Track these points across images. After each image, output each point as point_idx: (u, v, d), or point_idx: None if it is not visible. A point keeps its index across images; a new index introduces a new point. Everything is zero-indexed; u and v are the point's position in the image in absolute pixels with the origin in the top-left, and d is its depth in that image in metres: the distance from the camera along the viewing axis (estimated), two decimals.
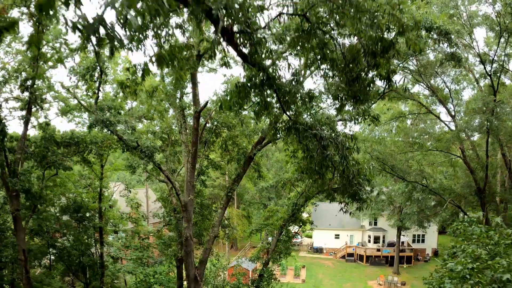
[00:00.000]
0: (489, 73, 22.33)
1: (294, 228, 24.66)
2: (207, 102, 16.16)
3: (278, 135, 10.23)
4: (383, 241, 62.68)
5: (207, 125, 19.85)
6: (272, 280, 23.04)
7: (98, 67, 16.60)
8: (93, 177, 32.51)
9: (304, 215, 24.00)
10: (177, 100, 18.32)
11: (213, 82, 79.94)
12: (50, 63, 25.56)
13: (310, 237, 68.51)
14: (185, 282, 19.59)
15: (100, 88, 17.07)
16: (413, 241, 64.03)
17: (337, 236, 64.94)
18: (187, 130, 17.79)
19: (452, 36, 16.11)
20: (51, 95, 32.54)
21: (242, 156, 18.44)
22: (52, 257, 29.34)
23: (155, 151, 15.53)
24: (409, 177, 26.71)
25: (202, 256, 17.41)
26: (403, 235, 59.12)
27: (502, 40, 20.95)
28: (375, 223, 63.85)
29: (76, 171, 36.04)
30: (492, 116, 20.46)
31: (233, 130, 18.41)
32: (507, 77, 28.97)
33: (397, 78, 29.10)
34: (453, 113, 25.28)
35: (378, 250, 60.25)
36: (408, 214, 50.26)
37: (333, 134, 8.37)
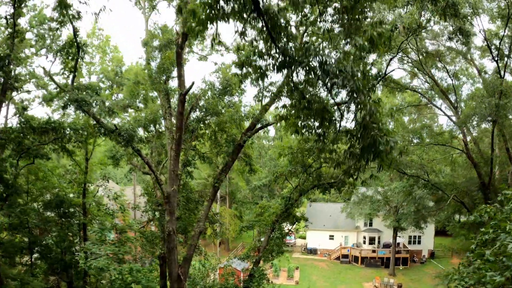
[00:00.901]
0: (496, 58, 21.13)
1: (287, 226, 23.10)
2: (192, 84, 14.71)
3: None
4: (379, 242, 61.42)
5: (194, 113, 18.43)
6: (264, 281, 21.53)
7: (76, 44, 15.14)
8: (78, 171, 30.97)
9: (298, 213, 22.50)
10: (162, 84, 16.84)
11: (203, 72, 78.10)
12: (32, 50, 24.16)
13: (304, 238, 67.11)
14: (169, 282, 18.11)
15: (77, 67, 15.52)
16: (409, 242, 62.89)
17: (331, 237, 63.57)
18: (172, 116, 16.31)
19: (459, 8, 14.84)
20: (34, 83, 31.05)
21: (230, 144, 16.98)
22: (36, 255, 27.71)
23: (134, 135, 14.05)
24: (410, 171, 25.36)
25: (186, 253, 15.91)
26: (399, 236, 57.94)
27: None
28: (370, 224, 62.58)
29: (62, 165, 34.51)
30: (500, 100, 19.23)
31: (222, 116, 16.95)
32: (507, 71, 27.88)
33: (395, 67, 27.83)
34: (455, 105, 24.00)
35: (374, 251, 58.97)
36: (405, 214, 49.00)
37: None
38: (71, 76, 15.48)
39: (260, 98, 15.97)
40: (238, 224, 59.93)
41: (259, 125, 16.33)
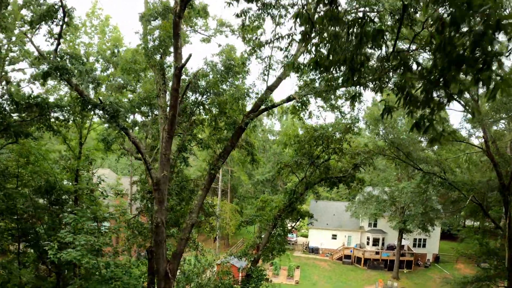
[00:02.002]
0: None
1: (290, 223, 21.19)
2: (189, 57, 12.95)
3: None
4: (383, 244, 59.58)
5: (193, 96, 16.69)
6: (263, 282, 19.74)
7: (61, 8, 13.44)
8: (71, 157, 29.41)
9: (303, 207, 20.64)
10: (158, 58, 15.10)
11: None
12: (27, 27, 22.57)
13: (306, 236, 65.36)
14: None
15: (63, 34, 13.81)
16: (414, 245, 61.03)
17: (334, 237, 61.75)
18: (167, 93, 14.57)
19: None
20: (28, 62, 29.49)
21: (230, 127, 15.22)
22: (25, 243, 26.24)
23: (120, 110, 12.32)
24: (426, 168, 23.46)
25: (176, 248, 14.21)
26: (404, 239, 56.11)
27: None
28: (375, 225, 60.74)
29: (56, 149, 32.95)
30: None
31: (222, 95, 15.15)
32: None
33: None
34: (475, 98, 22.01)
35: (377, 253, 57.14)
36: (412, 215, 47.16)
37: None
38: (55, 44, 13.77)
39: (266, 73, 14.23)
40: (239, 219, 58.33)
41: (263, 106, 14.55)
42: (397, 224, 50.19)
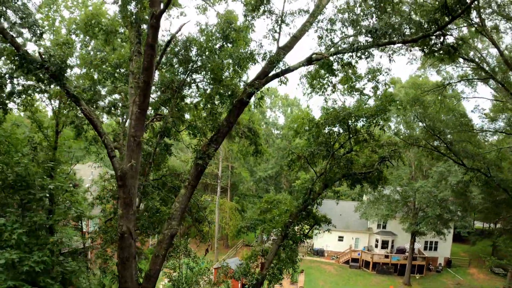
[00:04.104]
0: None
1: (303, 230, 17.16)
2: (183, 25, 9.14)
3: None
4: (392, 247, 55.74)
5: (181, 67, 12.78)
6: None
7: None
8: (46, 147, 25.49)
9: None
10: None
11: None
12: None
13: (310, 237, 61.49)
14: None
15: None
16: (425, 248, 57.21)
17: (340, 238, 57.83)
18: (142, 55, 10.69)
19: None
20: None
21: (226, 99, 11.35)
22: None
23: (64, 67, 8.50)
24: (469, 163, 19.53)
25: (149, 268, 10.34)
26: (415, 241, 52.23)
27: None
28: (384, 226, 56.83)
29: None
30: None
31: (218, 57, 11.20)
32: None
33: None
34: None
35: (387, 256, 53.31)
36: (428, 217, 43.36)
37: None
38: None
39: (277, 29, 10.40)
40: (239, 219, 54.47)
41: (273, 73, 10.65)
42: (410, 226, 46.31)
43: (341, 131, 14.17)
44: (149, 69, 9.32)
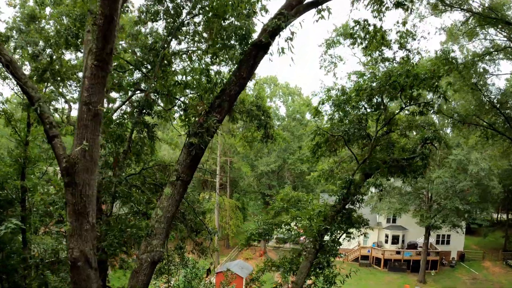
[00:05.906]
0: None
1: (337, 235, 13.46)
2: None
3: None
4: (403, 242, 52.45)
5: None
6: None
7: None
8: (17, 144, 21.80)
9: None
10: None
11: None
12: None
13: (340, 245, 58.01)
14: None
15: None
16: (437, 242, 54.02)
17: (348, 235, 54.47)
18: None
19: None
20: None
21: (236, 45, 7.67)
22: None
23: None
24: None
25: None
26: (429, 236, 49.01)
27: None
28: (394, 220, 53.47)
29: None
30: None
31: None
32: None
33: None
34: None
35: (398, 252, 50.09)
36: (446, 209, 40.10)
37: None
38: None
39: None
40: (240, 217, 50.94)
41: None
42: (425, 219, 42.93)
43: (386, 101, 10.65)
44: (112, 8, 5.71)
